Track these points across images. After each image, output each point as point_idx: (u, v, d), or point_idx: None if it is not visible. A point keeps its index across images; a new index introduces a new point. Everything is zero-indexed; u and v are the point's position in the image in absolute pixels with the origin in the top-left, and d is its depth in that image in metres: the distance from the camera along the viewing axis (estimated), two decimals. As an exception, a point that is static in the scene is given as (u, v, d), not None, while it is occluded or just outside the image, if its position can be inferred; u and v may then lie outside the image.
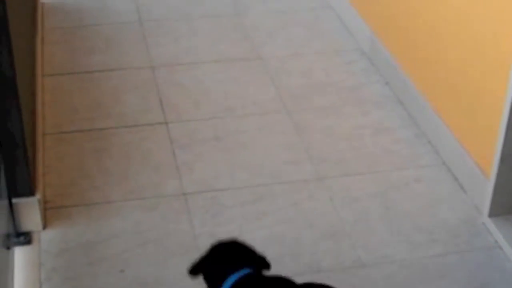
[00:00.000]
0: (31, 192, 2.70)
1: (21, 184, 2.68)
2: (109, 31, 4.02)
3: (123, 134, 3.24)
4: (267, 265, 2.17)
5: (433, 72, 3.20)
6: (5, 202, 2.60)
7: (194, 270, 2.14)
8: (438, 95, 3.17)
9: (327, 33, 4.05)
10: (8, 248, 2.57)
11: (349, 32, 4.03)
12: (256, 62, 3.77)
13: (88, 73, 3.65)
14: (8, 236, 2.59)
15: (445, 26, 3.06)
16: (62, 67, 3.70)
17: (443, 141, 3.14)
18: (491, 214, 2.79)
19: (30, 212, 2.72)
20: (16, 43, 2.61)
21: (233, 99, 3.46)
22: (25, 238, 2.70)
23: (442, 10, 3.06)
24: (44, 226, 2.76)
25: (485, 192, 2.82)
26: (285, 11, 4.25)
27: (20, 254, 2.65)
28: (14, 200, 2.68)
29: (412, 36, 3.37)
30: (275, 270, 2.57)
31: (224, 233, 2.72)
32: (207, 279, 2.12)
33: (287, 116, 3.38)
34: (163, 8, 4.25)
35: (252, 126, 3.31)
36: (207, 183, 2.97)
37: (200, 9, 4.22)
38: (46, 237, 2.72)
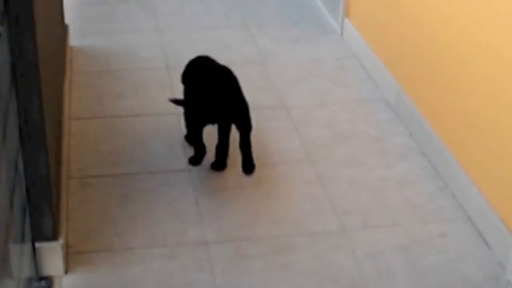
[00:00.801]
0: (54, 237, 2.71)
1: (45, 228, 2.68)
2: (136, 76, 4.05)
3: (147, 180, 3.24)
4: None
5: (458, 125, 3.19)
6: (28, 245, 2.60)
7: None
8: (463, 148, 3.16)
9: (352, 83, 4.06)
10: (30, 292, 2.57)
11: (374, 83, 4.04)
12: (281, 110, 3.78)
13: (114, 117, 3.68)
14: (30, 280, 2.59)
15: (472, 79, 3.06)
16: (89, 111, 3.73)
17: (467, 195, 3.12)
18: (516, 271, 2.77)
19: (52, 256, 2.72)
20: (45, 87, 2.64)
21: (256, 147, 3.46)
22: (46, 282, 2.70)
23: (468, 64, 3.06)
24: (66, 271, 2.76)
25: (510, 247, 2.79)
26: (310, 60, 4.28)
27: (41, 299, 2.65)
28: (37, 244, 2.69)
29: (437, 88, 3.37)
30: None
31: (246, 284, 2.71)
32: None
33: (310, 165, 3.37)
34: (190, 55, 4.25)
35: (276, 175, 3.30)
36: (229, 232, 2.96)
37: (226, 56, 4.24)
38: (68, 282, 2.71)
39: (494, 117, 2.90)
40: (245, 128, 3.22)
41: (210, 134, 3.39)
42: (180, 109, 3.73)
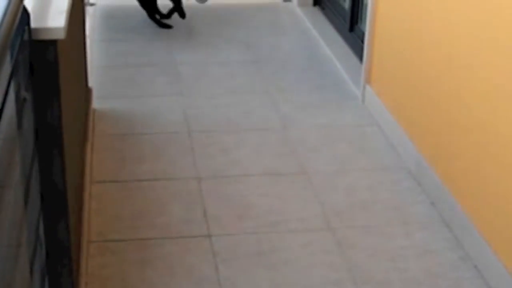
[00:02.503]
0: (73, 302, 2.69)
1: (64, 292, 2.67)
2: (158, 140, 4.07)
3: (167, 245, 3.23)
4: None
5: (480, 195, 3.18)
6: (47, 311, 2.59)
7: None
8: (486, 218, 3.14)
9: (373, 150, 4.06)
10: None
11: (395, 150, 4.04)
12: (301, 177, 3.78)
13: (135, 181, 3.69)
14: None
15: (494, 150, 3.05)
16: (110, 174, 3.74)
17: (489, 266, 3.09)
18: None
19: (71, 322, 2.70)
20: (68, 151, 2.65)
21: (277, 214, 3.46)
22: None
23: (491, 134, 3.06)
24: (83, 337, 2.74)
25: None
26: (331, 126, 4.29)
27: None
28: (55, 309, 2.68)
29: (459, 157, 3.36)
30: None
31: None
32: None
33: (330, 233, 3.36)
34: (212, 120, 4.30)
35: (296, 242, 3.29)
36: (248, 301, 2.94)
37: (248, 122, 4.27)
38: None
39: (516, 189, 2.89)
40: None
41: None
42: (204, 177, 3.75)
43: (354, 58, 5.12)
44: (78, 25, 3.65)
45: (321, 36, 5.54)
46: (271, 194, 3.61)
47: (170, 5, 5.68)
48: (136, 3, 5.65)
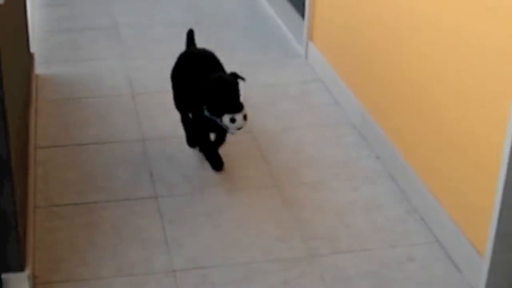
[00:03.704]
0: (21, 268, 2.67)
1: (12, 259, 2.65)
2: (102, 104, 4.03)
3: (114, 208, 3.22)
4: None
5: (425, 148, 3.21)
6: (-6, 277, 2.57)
7: None
8: (430, 171, 3.18)
9: (317, 106, 4.07)
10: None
11: (339, 106, 4.06)
12: (246, 136, 3.78)
13: (80, 145, 3.65)
14: (-5, 312, 2.56)
15: (436, 102, 3.08)
16: (55, 139, 3.70)
17: (436, 218, 3.13)
18: (487, 293, 2.78)
19: (19, 287, 2.68)
20: (11, 117, 2.61)
21: (223, 174, 3.46)
22: (13, 314, 2.66)
23: (433, 84, 3.09)
24: (33, 303, 2.72)
25: (480, 271, 2.80)
26: (275, 85, 4.28)
27: (7, 332, 2.61)
28: (3, 275, 2.65)
29: (402, 111, 3.39)
30: None
31: (215, 312, 2.70)
32: None
33: (277, 191, 3.37)
34: (155, 81, 4.27)
35: (243, 201, 3.30)
36: (197, 260, 2.94)
37: (192, 82, 4.24)
38: (34, 315, 2.68)
39: (461, 140, 2.92)
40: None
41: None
42: (149, 138, 3.72)
43: (296, 15, 5.12)
44: (15, -12, 3.58)
45: (263, -6, 5.52)
46: (218, 154, 3.61)
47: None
48: None
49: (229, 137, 3.71)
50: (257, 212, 3.24)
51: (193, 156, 3.59)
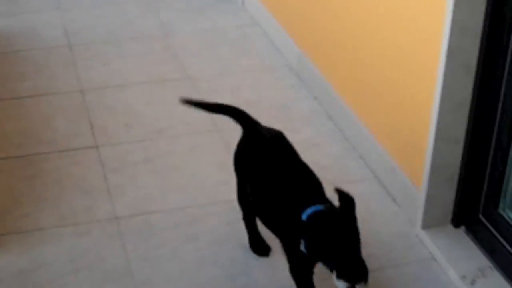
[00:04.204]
0: (-40, 223, 2.67)
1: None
2: (39, 56, 3.98)
3: (54, 159, 3.21)
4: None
5: (360, 86, 3.25)
6: None
7: None
8: (366, 109, 3.22)
9: (255, 50, 4.07)
10: None
11: (276, 49, 4.06)
12: (185, 82, 3.77)
13: (17, 98, 3.61)
14: None
15: (370, 40, 3.10)
16: (-9, 93, 3.66)
17: (373, 154, 3.18)
18: (424, 226, 2.83)
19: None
20: None
21: (163, 120, 3.46)
22: (-45, 269, 2.66)
23: (367, 25, 3.11)
24: (-25, 256, 2.72)
25: (417, 204, 2.86)
26: (212, 30, 4.27)
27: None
28: None
29: (338, 51, 3.41)
30: (210, 291, 2.56)
31: (158, 256, 2.72)
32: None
33: (218, 135, 3.38)
34: (92, 32, 4.22)
35: (184, 146, 3.31)
36: (139, 206, 2.95)
37: (128, 32, 4.21)
38: (-22, 268, 2.68)
39: (394, 76, 2.95)
40: None
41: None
42: (87, 89, 3.69)
43: (232, -39, 5.08)
44: None
45: None
46: (156, 101, 3.60)
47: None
48: None
49: (167, 81, 3.72)
50: (198, 156, 3.25)
51: (132, 104, 3.57)
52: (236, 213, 2.93)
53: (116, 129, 3.39)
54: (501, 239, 2.67)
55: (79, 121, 3.45)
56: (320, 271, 2.37)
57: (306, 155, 3.24)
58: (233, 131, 3.39)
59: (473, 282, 2.61)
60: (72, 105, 3.56)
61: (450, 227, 2.83)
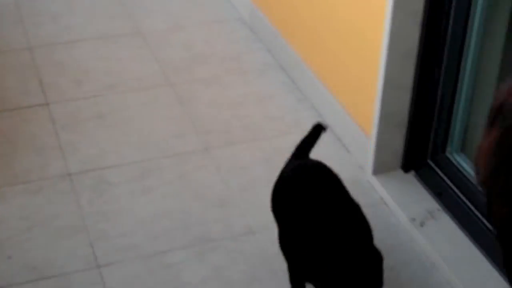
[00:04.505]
0: None
1: None
2: (-16, 14, 3.92)
3: (4, 118, 3.17)
4: None
5: (311, 38, 3.25)
6: None
7: None
8: (318, 60, 3.23)
9: (207, 3, 4.04)
10: None
11: (228, 2, 4.04)
12: (137, 37, 3.74)
13: (-37, 58, 3.57)
14: None
15: (319, -9, 3.10)
16: None
17: (325, 104, 3.19)
18: (375, 172, 2.87)
19: None
20: None
21: (115, 76, 3.44)
22: None
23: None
24: None
25: (367, 150, 2.89)
26: (164, -16, 4.23)
27: None
28: None
29: (289, 3, 3.40)
30: (165, 243, 2.59)
31: (112, 211, 2.72)
32: None
33: (170, 89, 3.37)
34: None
35: (136, 101, 3.29)
36: (92, 162, 2.95)
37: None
38: None
39: (344, 29, 2.96)
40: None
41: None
42: (36, 46, 3.65)
43: None
44: None
45: None
46: (107, 57, 3.57)
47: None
48: None
49: (118, 36, 3.69)
50: (151, 111, 3.24)
51: (82, 60, 3.54)
52: (188, 166, 2.94)
53: (66, 86, 3.36)
54: (449, 182, 2.72)
55: (28, 79, 3.41)
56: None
57: (259, 107, 3.27)
58: (185, 84, 3.40)
59: (422, 224, 2.66)
60: (20, 63, 3.51)
61: (400, 172, 2.87)
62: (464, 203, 2.65)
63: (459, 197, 2.67)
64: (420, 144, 2.80)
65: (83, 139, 3.06)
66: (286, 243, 2.26)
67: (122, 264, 2.52)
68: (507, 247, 1.04)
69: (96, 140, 3.06)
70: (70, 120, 3.16)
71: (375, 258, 2.13)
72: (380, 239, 2.64)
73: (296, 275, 2.28)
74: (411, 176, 2.85)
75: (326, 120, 3.17)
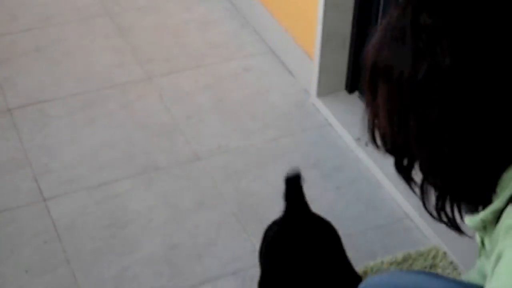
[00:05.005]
0: None
1: None
2: None
3: None
4: None
5: (250, -40, 3.21)
6: None
7: None
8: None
9: None
10: None
11: None
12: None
13: None
14: None
15: None
16: None
17: (268, 28, 3.16)
18: (319, 94, 2.86)
19: None
20: None
21: (51, 7, 3.34)
22: None
23: None
24: None
25: (311, 73, 2.87)
26: None
27: None
28: None
29: None
30: (111, 173, 2.56)
31: (55, 144, 2.68)
32: None
33: (109, 19, 3.30)
34: None
35: (74, 33, 3.22)
36: (32, 96, 2.88)
37: None
38: None
39: None
40: None
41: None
42: None
43: None
44: None
45: None
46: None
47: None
48: None
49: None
50: (90, 42, 3.18)
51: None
52: (131, 95, 2.90)
53: (1, 20, 3.27)
54: (393, 100, 2.71)
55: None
56: None
57: (202, 34, 3.23)
58: (124, 13, 3.33)
59: (367, 144, 2.66)
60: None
61: (344, 93, 2.87)
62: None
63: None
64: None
65: (21, 73, 2.99)
66: None
67: (68, 196, 2.49)
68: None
69: (35, 73, 3.00)
70: (7, 55, 3.08)
71: None
72: (326, 160, 2.66)
73: None
74: (355, 97, 2.85)
75: (270, 44, 3.14)
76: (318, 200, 2.40)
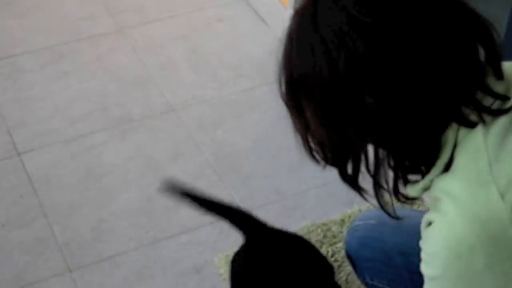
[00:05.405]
0: None
1: None
2: None
3: None
4: None
5: None
6: None
7: None
8: None
9: None
10: None
11: None
12: None
13: None
14: None
15: None
16: None
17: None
18: (293, 43, 2.83)
19: None
20: None
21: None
22: None
23: None
24: None
25: (285, 21, 2.84)
26: None
27: None
28: None
29: None
30: (85, 126, 2.54)
31: (28, 98, 2.65)
32: None
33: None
34: None
35: (44, -15, 3.18)
36: (3, 50, 2.84)
37: None
38: None
39: None
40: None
41: None
42: None
43: None
44: None
45: None
46: None
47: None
48: None
49: None
50: (60, -6, 3.14)
51: None
52: (103, 48, 2.87)
53: None
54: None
55: None
56: None
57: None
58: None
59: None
60: None
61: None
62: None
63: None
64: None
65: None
66: None
67: (42, 150, 2.48)
68: None
69: (6, 27, 2.95)
70: (-25, 9, 3.04)
71: None
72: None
73: None
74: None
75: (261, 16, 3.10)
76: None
